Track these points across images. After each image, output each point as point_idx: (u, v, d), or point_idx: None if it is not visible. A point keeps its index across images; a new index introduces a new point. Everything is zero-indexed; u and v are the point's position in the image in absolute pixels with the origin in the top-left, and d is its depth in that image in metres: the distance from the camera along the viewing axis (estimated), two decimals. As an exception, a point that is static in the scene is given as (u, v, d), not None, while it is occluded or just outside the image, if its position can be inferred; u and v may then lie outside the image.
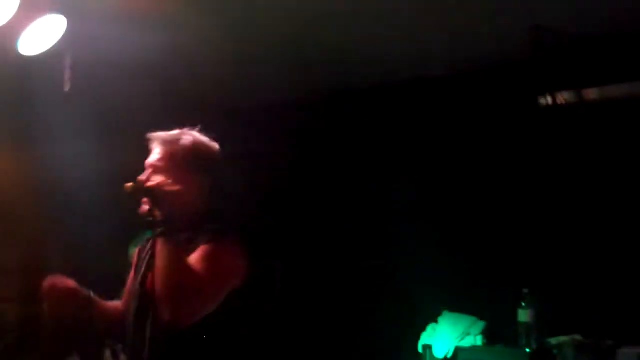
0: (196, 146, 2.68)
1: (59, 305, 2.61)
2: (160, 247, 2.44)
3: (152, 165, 2.64)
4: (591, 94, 4.09)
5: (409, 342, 4.35)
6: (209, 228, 2.55)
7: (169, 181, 2.56)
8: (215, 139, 2.75)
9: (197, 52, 4.19)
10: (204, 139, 2.72)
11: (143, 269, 2.61)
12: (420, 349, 4.29)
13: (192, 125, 2.75)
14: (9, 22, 3.13)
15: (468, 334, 4.22)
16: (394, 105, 4.83)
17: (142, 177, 2.59)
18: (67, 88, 3.56)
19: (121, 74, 4.22)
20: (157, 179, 2.56)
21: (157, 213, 2.48)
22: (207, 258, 2.46)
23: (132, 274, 2.80)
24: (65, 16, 3.28)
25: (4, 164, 5.24)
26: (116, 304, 2.81)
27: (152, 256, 2.48)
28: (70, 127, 4.47)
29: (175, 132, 2.71)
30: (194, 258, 2.47)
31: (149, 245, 2.62)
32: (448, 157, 4.65)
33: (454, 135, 4.62)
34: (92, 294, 2.69)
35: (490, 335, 4.20)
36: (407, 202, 4.69)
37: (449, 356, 4.19)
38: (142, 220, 2.54)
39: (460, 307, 4.33)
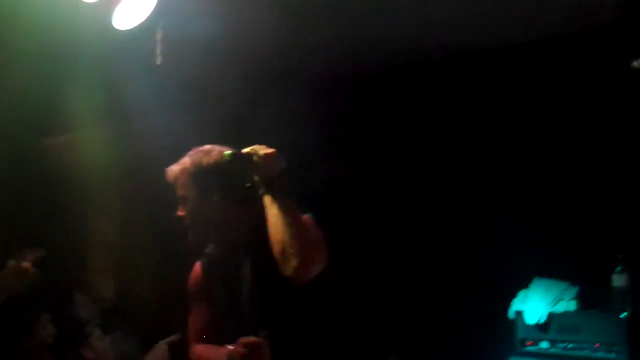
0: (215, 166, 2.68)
1: None
2: (269, 205, 2.46)
3: (182, 200, 2.68)
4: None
5: (501, 309, 4.34)
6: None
7: (202, 212, 2.62)
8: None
9: (283, 28, 4.22)
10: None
11: (232, 271, 2.67)
12: (512, 316, 4.27)
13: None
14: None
15: (561, 300, 4.18)
16: (479, 74, 4.77)
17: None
18: (158, 62, 3.61)
19: (208, 48, 4.28)
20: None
21: (258, 179, 2.51)
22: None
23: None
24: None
25: (98, 137, 5.43)
26: None
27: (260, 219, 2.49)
28: (160, 101, 4.57)
29: (185, 159, 2.73)
30: None
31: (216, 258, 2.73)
32: (538, 124, 4.58)
33: (545, 101, 4.55)
34: None
35: (584, 301, 4.15)
36: (497, 168, 4.66)
37: (541, 322, 4.16)
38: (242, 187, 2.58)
39: (553, 272, 4.29)
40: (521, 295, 4.30)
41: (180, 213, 2.67)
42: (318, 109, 4.93)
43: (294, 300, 2.52)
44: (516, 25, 4.33)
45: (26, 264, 4.16)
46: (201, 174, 2.64)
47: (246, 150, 2.54)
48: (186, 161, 2.70)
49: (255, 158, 2.50)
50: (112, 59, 4.20)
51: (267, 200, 2.47)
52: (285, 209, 2.42)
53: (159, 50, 3.56)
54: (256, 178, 2.51)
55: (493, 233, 4.52)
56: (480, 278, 4.53)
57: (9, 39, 4.11)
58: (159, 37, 3.55)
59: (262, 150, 2.54)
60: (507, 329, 4.29)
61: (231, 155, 2.53)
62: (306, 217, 2.54)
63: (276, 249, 2.41)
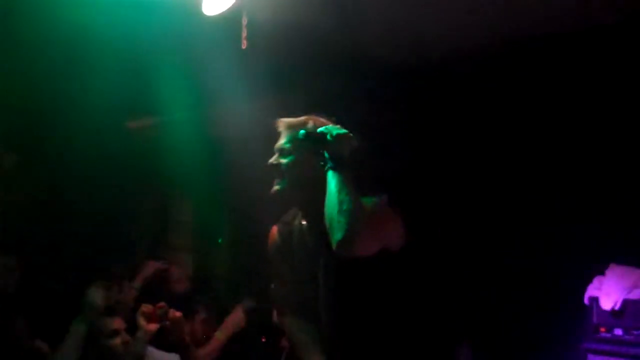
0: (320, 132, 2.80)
1: None
2: (330, 179, 2.61)
3: (280, 150, 2.85)
4: None
5: (576, 294, 4.35)
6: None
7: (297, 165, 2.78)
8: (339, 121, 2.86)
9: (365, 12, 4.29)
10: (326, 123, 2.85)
11: (309, 235, 2.85)
12: (586, 302, 4.28)
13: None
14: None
15: (636, 287, 4.16)
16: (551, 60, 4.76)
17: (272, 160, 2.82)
18: (244, 46, 3.76)
19: (292, 33, 4.40)
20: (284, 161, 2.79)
21: (328, 157, 2.65)
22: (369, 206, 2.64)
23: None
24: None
25: (184, 121, 5.63)
26: None
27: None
28: (246, 85, 4.73)
29: (302, 118, 2.88)
30: None
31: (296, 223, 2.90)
32: (612, 105, 4.55)
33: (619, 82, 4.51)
34: None
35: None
36: (571, 152, 4.66)
37: (616, 309, 4.15)
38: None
39: (629, 259, 4.26)
40: (596, 281, 4.30)
41: (274, 161, 2.81)
42: (398, 93, 4.99)
43: (368, 279, 2.63)
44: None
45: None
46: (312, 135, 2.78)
47: (320, 129, 2.66)
48: (305, 119, 2.85)
49: (328, 137, 2.62)
50: (200, 43, 4.35)
51: (329, 175, 2.60)
52: (341, 185, 2.56)
53: (244, 35, 3.70)
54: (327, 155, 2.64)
55: (569, 218, 4.52)
56: (556, 263, 4.53)
57: (97, 25, 4.31)
58: (244, 21, 3.70)
59: (335, 130, 2.67)
60: (582, 315, 4.30)
61: (305, 134, 2.65)
62: (382, 199, 2.66)
63: (326, 221, 2.56)
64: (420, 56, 5.01)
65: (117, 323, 3.81)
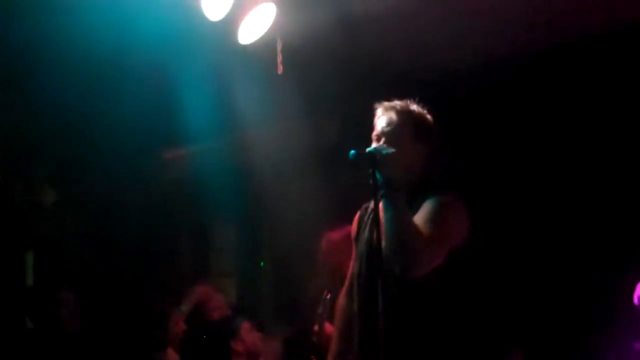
0: (419, 116, 2.87)
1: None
2: (386, 207, 2.62)
3: (379, 133, 2.83)
4: None
5: (626, 295, 4.33)
6: (431, 191, 2.73)
7: (393, 148, 2.72)
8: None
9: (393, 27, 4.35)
10: (423, 110, 2.90)
11: (367, 230, 2.83)
12: (636, 302, 4.26)
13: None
14: (228, 14, 3.44)
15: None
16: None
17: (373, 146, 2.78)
18: (280, 71, 3.82)
19: (324, 55, 4.47)
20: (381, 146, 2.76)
21: (379, 177, 2.64)
22: (432, 214, 2.65)
23: (353, 237, 3.03)
24: (275, 4, 3.56)
25: (222, 147, 5.70)
26: None
27: (376, 217, 2.62)
28: (282, 108, 4.79)
29: (400, 102, 2.88)
30: (419, 216, 2.66)
31: (370, 210, 2.81)
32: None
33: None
34: None
35: None
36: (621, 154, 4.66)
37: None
38: (364, 186, 2.73)
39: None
40: (644, 281, 4.28)
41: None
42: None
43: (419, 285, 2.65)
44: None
45: None
46: (424, 127, 2.84)
47: (369, 149, 2.70)
48: (411, 108, 2.87)
49: (377, 157, 2.66)
50: (237, 71, 4.42)
51: (383, 203, 2.63)
52: (396, 215, 2.59)
53: (279, 60, 3.76)
54: (378, 176, 2.64)
55: (615, 220, 4.51)
56: (604, 264, 4.52)
57: (134, 57, 4.41)
58: (279, 47, 3.77)
59: (384, 149, 2.70)
60: (632, 315, 4.28)
61: (355, 154, 2.68)
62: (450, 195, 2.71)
63: (384, 250, 2.58)
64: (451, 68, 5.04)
65: (171, 355, 3.86)
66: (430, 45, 4.75)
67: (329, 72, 4.69)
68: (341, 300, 3.05)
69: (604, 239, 4.58)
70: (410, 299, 2.68)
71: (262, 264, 6.47)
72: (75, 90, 4.89)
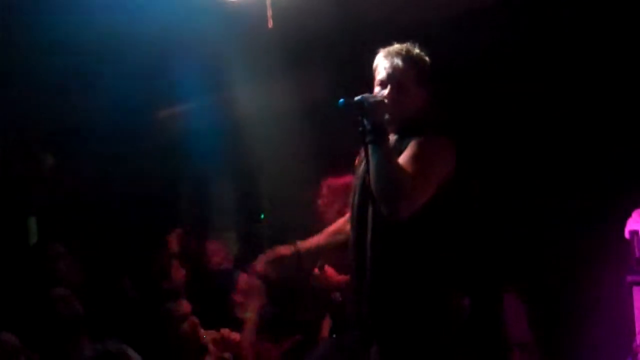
0: (421, 61, 2.97)
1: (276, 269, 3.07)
2: (372, 151, 2.74)
3: (383, 78, 2.93)
4: None
5: (616, 229, 4.39)
6: (418, 130, 2.84)
7: (387, 93, 2.85)
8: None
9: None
10: (423, 54, 2.98)
11: (362, 170, 2.93)
12: (627, 236, 4.36)
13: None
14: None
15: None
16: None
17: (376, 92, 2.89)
18: (270, 25, 3.87)
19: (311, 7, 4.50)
20: (379, 92, 2.88)
21: (367, 124, 2.76)
22: (416, 153, 2.77)
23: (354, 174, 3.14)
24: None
25: (217, 105, 5.77)
26: (332, 229, 3.26)
27: (367, 160, 2.79)
28: (271, 62, 4.84)
29: (400, 45, 2.97)
30: (404, 155, 2.78)
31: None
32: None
33: None
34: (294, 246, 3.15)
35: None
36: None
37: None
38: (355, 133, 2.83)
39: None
40: (636, 214, 4.36)
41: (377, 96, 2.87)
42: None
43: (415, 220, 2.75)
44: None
45: None
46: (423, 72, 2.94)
47: (357, 97, 2.78)
48: (412, 52, 2.96)
49: (365, 104, 2.75)
50: (226, 26, 4.46)
51: (370, 148, 2.74)
52: (381, 161, 2.70)
53: (269, 14, 3.81)
54: (366, 122, 2.76)
55: (603, 154, 4.61)
56: (595, 200, 4.61)
57: (123, 23, 4.45)
58: (268, 1, 3.81)
59: (371, 97, 2.80)
60: (624, 249, 4.35)
61: (343, 103, 2.77)
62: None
63: (373, 190, 2.73)
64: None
65: (186, 306, 3.95)
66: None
67: (317, 27, 4.73)
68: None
69: (593, 174, 4.66)
70: (396, 235, 2.80)
71: (262, 216, 6.59)
72: (70, 56, 4.94)
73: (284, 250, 3.26)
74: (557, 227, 4.83)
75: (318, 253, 3.31)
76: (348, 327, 3.38)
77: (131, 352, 2.70)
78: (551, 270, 4.79)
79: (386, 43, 3.02)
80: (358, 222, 2.93)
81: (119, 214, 5.84)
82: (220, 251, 5.46)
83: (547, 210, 4.88)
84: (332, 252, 3.30)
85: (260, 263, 3.24)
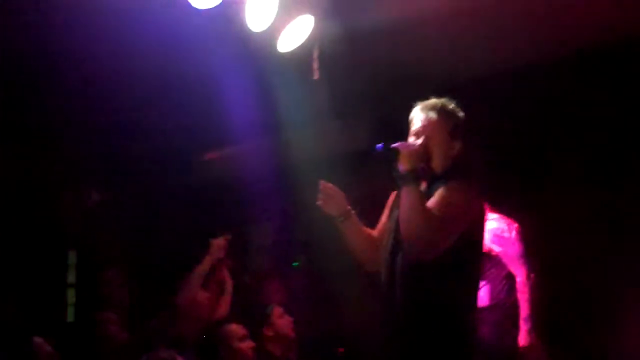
0: (455, 115, 3.17)
1: (328, 200, 3.21)
2: (403, 195, 2.94)
3: (418, 129, 3.14)
4: None
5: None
6: (448, 178, 3.03)
7: (420, 143, 3.06)
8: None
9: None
10: (457, 108, 3.19)
11: (395, 214, 3.12)
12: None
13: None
14: (271, 25, 3.76)
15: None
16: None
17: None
18: (315, 77, 4.11)
19: (358, 62, 4.75)
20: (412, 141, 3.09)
21: (401, 168, 2.96)
22: (444, 199, 2.94)
23: (386, 212, 3.33)
24: (313, 15, 3.88)
25: (261, 149, 5.98)
26: (370, 230, 3.36)
27: (398, 203, 3.00)
28: (318, 112, 5.07)
29: (436, 100, 3.19)
30: (432, 200, 2.96)
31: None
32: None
33: None
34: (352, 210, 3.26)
35: None
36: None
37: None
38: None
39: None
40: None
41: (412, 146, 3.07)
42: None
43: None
44: None
45: None
46: (455, 125, 3.15)
47: (394, 145, 2.99)
48: (446, 107, 3.17)
49: (400, 151, 2.96)
50: (277, 78, 4.72)
51: (401, 192, 2.95)
52: (410, 204, 2.89)
53: (315, 66, 4.06)
54: (400, 168, 2.96)
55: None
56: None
57: (177, 65, 4.71)
58: (315, 54, 4.06)
59: (406, 145, 3.02)
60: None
61: (380, 148, 2.98)
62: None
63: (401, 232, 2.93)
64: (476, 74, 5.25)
65: (243, 329, 4.11)
66: (466, 51, 4.96)
67: (362, 78, 4.96)
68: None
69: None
70: (421, 277, 2.96)
71: (295, 264, 6.71)
72: (122, 98, 5.22)
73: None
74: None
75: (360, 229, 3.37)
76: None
77: (181, 360, 2.90)
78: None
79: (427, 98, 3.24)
80: (389, 263, 3.09)
81: (160, 254, 6.05)
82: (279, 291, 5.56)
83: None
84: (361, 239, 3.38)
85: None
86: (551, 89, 5.04)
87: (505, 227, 4.31)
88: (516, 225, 4.35)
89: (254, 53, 4.27)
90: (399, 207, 2.99)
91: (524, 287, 4.22)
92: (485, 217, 3.10)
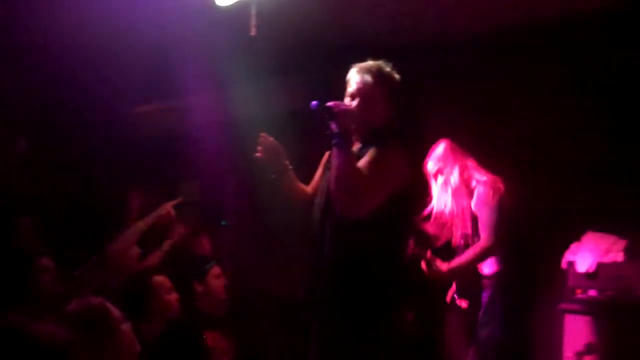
0: (391, 79, 3.23)
1: (267, 154, 3.24)
2: (335, 154, 3.01)
3: (353, 91, 3.20)
4: None
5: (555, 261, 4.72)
6: (379, 140, 3.11)
7: (355, 104, 3.13)
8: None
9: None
10: (393, 72, 3.25)
11: (328, 170, 3.19)
12: (564, 265, 4.66)
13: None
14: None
15: (609, 252, 4.55)
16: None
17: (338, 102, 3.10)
18: (253, 33, 4.12)
19: (299, 19, 4.76)
20: (346, 102, 3.16)
21: (335, 128, 3.01)
22: (372, 159, 3.04)
23: (320, 171, 3.41)
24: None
25: (196, 105, 5.97)
26: (305, 187, 3.42)
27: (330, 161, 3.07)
28: (253, 68, 5.08)
29: (372, 62, 3.23)
30: (362, 161, 3.05)
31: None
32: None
33: None
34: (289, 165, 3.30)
35: (631, 252, 4.51)
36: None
37: (590, 271, 4.54)
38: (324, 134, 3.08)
39: (603, 226, 4.65)
40: (573, 247, 4.68)
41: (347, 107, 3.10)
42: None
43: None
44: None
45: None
46: (390, 88, 3.20)
47: (329, 104, 3.04)
48: (381, 69, 3.21)
49: (334, 110, 3.01)
50: (213, 32, 4.69)
51: (334, 150, 3.01)
52: (341, 163, 2.96)
53: (253, 23, 4.07)
54: (333, 127, 3.01)
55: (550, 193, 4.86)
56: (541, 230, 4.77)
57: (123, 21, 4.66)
58: (253, 10, 4.07)
59: (342, 105, 3.07)
60: (559, 278, 4.67)
61: (316, 106, 3.03)
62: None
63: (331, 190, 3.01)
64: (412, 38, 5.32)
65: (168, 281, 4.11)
66: (409, 18, 5.02)
67: (299, 37, 4.98)
68: None
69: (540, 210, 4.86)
70: (349, 235, 3.05)
71: (223, 223, 6.72)
72: (54, 49, 5.13)
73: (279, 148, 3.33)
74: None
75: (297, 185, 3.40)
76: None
77: (111, 307, 2.91)
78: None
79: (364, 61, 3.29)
80: (320, 222, 3.17)
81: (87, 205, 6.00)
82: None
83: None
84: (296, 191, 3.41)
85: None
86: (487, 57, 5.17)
87: (491, 193, 4.31)
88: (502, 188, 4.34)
89: (193, 7, 4.25)
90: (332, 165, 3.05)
91: (476, 248, 4.26)
92: (420, 179, 3.19)
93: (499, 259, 4.33)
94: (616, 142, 4.76)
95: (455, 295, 4.54)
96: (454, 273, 4.34)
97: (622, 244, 4.56)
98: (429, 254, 4.29)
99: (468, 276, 4.43)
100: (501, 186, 4.31)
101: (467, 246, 4.39)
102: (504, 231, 4.23)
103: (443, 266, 4.27)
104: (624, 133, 4.73)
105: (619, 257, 4.52)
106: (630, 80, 4.74)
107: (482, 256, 4.26)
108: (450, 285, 4.59)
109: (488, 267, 4.37)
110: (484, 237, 4.23)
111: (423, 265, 4.29)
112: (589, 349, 4.46)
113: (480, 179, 4.34)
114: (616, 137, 4.76)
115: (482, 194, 4.30)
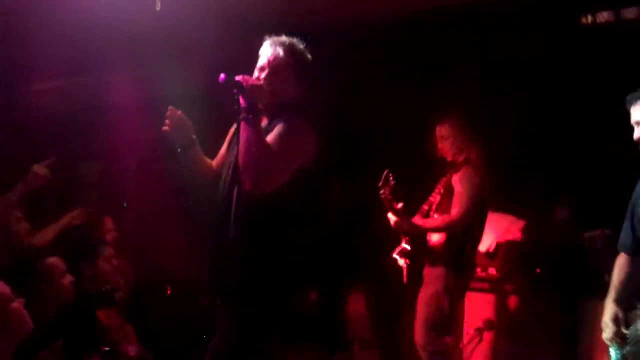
0: (302, 55, 3.19)
1: (174, 127, 3.17)
2: (243, 129, 2.98)
3: (264, 64, 3.15)
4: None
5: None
6: (287, 115, 3.09)
7: (264, 78, 3.10)
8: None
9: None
10: (305, 50, 3.22)
11: (235, 145, 3.15)
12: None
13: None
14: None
15: (507, 232, 4.70)
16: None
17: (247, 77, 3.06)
18: (157, 7, 4.04)
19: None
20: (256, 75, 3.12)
21: (243, 102, 2.98)
22: (280, 135, 3.01)
23: (225, 145, 3.35)
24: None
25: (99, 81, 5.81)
26: (211, 161, 3.37)
27: (238, 136, 3.03)
28: (159, 46, 4.98)
29: (286, 38, 3.19)
30: (270, 136, 3.02)
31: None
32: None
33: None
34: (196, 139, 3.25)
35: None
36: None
37: (490, 250, 4.67)
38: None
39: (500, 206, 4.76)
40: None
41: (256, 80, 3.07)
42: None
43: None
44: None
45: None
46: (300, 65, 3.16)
47: (237, 78, 3.00)
48: (293, 45, 3.17)
49: (243, 84, 2.98)
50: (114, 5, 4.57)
51: (242, 124, 2.98)
52: (249, 137, 2.93)
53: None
54: (242, 101, 2.99)
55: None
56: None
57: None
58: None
59: (251, 80, 3.03)
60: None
61: (225, 79, 2.99)
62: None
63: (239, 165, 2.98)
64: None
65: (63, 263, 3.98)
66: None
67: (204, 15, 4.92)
68: None
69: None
70: (257, 210, 3.02)
71: (125, 204, 6.60)
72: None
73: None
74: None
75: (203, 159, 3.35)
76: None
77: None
78: (394, 272, 5.06)
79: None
80: (226, 197, 3.12)
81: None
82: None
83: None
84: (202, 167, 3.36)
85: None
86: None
87: (478, 175, 4.37)
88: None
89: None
90: (238, 141, 3.02)
91: (446, 218, 4.34)
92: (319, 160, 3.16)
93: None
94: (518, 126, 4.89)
95: (398, 255, 4.56)
96: (414, 231, 4.41)
97: (520, 223, 4.71)
98: (400, 204, 4.36)
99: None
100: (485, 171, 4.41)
101: (428, 212, 4.48)
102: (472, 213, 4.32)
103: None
104: (527, 117, 4.87)
105: (517, 236, 4.67)
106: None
107: (446, 227, 4.34)
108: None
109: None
110: (455, 212, 4.30)
111: (389, 214, 4.38)
112: (487, 325, 4.60)
113: (470, 158, 4.42)
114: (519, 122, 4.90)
115: (468, 172, 4.37)
